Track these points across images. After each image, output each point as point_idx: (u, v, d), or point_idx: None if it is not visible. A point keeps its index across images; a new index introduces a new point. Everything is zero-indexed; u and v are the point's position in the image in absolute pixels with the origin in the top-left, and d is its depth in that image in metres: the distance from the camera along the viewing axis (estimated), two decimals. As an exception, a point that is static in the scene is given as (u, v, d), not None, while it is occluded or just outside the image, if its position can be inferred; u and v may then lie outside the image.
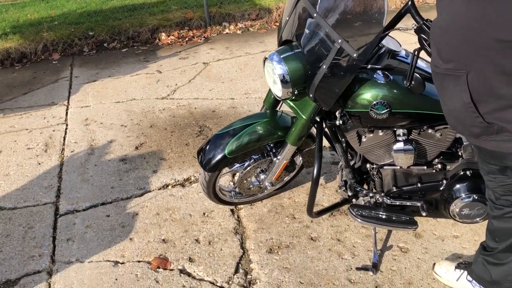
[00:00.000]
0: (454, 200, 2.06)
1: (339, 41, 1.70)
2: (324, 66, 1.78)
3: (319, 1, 1.85)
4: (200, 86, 4.21)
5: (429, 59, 1.67)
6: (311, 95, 1.88)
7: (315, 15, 1.81)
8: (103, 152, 3.23)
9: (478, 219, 2.10)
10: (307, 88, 1.90)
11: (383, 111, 1.86)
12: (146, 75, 4.55)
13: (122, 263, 2.27)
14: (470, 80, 1.35)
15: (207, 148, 2.23)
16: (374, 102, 1.85)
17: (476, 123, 1.39)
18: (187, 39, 5.56)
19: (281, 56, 1.91)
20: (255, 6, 6.15)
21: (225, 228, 2.46)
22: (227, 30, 5.83)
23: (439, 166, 2.13)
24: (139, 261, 2.27)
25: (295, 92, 1.94)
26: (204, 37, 5.65)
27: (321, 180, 2.79)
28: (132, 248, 2.36)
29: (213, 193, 2.39)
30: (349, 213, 2.16)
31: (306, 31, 1.89)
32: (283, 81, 1.90)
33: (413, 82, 1.77)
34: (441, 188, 2.10)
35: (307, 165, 2.49)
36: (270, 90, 2.25)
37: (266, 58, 1.98)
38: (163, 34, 5.57)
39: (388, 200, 2.16)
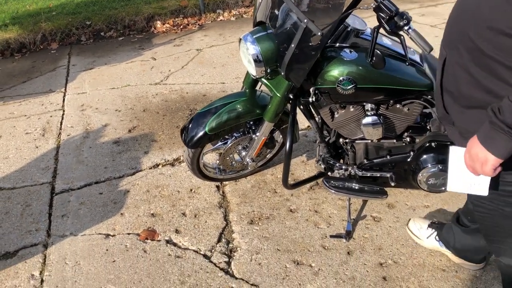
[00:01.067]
0: (421, 170, 2.19)
1: (305, 21, 1.82)
2: (293, 45, 1.90)
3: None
4: (193, 71, 4.34)
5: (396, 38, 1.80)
6: (282, 73, 2.01)
7: (283, -3, 1.93)
8: (98, 135, 3.38)
9: (443, 188, 2.23)
10: (279, 66, 2.02)
11: (349, 87, 1.98)
12: (141, 62, 4.68)
13: (113, 235, 2.43)
14: (446, 64, 1.38)
15: (190, 126, 2.36)
16: (340, 78, 1.97)
17: (440, 106, 1.45)
18: (181, 26, 5.67)
19: (254, 37, 2.03)
20: (249, -7, 6.24)
21: (210, 202, 2.60)
22: (221, 17, 5.93)
23: (408, 139, 2.26)
24: (128, 234, 2.43)
25: (268, 71, 2.07)
26: (198, 24, 5.76)
27: (303, 157, 2.93)
28: (122, 222, 2.51)
29: (198, 169, 2.54)
30: (323, 185, 2.29)
31: (277, 12, 2.01)
32: (257, 61, 2.03)
33: (374, 58, 1.90)
34: (408, 160, 2.22)
35: (286, 140, 2.62)
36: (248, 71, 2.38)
37: (240, 39, 2.11)
38: (158, 22, 5.68)
39: (360, 172, 2.29)
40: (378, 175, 2.28)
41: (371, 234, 2.30)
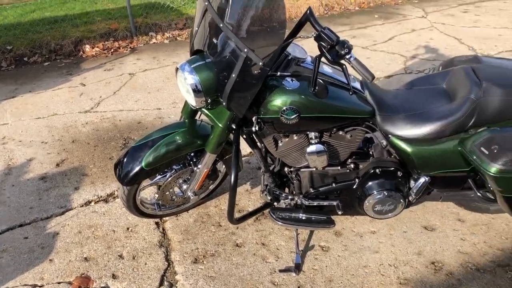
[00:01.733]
0: (367, 197, 2.16)
1: (245, 50, 1.75)
2: (234, 75, 1.81)
3: (226, 12, 1.89)
4: (126, 97, 4.14)
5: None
6: (224, 103, 1.91)
7: (221, 25, 1.85)
8: (22, 171, 3.08)
9: (389, 214, 2.22)
10: (220, 96, 1.93)
11: (293, 116, 1.92)
12: (69, 88, 4.40)
13: (41, 286, 2.18)
14: None
15: (124, 161, 2.19)
16: (284, 108, 1.90)
17: None
18: (112, 50, 5.44)
19: (192, 66, 1.93)
20: (182, 16, 6.14)
21: (149, 242, 2.42)
22: (154, 40, 5.77)
23: (352, 165, 2.23)
24: (59, 283, 2.19)
25: (208, 101, 1.97)
26: (130, 47, 5.55)
27: (247, 186, 2.83)
28: (52, 270, 2.27)
29: (134, 207, 2.36)
30: (270, 216, 2.20)
31: (215, 41, 1.92)
32: (196, 91, 1.92)
33: (316, 88, 1.85)
34: (354, 187, 2.19)
35: (230, 172, 2.52)
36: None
37: (177, 68, 1.99)
38: (87, 46, 5.41)
39: (306, 201, 2.22)
40: (325, 204, 2.23)
41: (321, 265, 2.23)
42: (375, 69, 4.53)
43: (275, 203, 2.32)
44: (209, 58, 1.96)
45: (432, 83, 2.19)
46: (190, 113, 2.26)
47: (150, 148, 2.16)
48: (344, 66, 1.79)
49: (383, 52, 4.99)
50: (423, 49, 5.01)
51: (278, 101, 1.91)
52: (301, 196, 2.24)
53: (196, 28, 2.03)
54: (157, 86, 4.35)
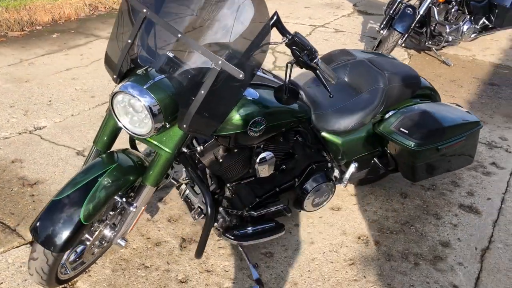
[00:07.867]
0: (308, 193, 2.23)
1: (219, 62, 1.54)
2: (203, 92, 1.57)
3: (176, 19, 1.63)
4: None
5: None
6: (184, 126, 1.64)
7: (179, 35, 1.57)
8: None
9: (324, 203, 2.37)
10: (178, 118, 1.65)
11: (261, 128, 1.82)
12: None
13: None
14: None
15: (49, 221, 1.64)
16: (253, 120, 1.78)
17: None
18: None
19: (145, 87, 1.59)
20: None
21: (74, 314, 1.89)
22: None
23: (284, 166, 2.25)
24: None
25: (167, 126, 1.67)
26: None
27: (146, 215, 2.48)
28: None
29: (55, 277, 1.80)
30: (227, 239, 2.03)
31: (170, 54, 1.63)
32: (152, 114, 1.60)
33: (288, 94, 1.80)
34: (296, 186, 2.23)
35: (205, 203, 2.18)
36: (100, 129, 1.85)
37: (117, 92, 1.61)
38: None
39: (255, 213, 2.14)
40: (273, 210, 2.19)
41: (277, 272, 2.19)
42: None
43: (215, 224, 2.14)
44: (157, 75, 1.65)
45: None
46: (106, 144, 1.87)
47: (83, 198, 1.67)
48: (318, 69, 1.78)
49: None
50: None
51: (244, 113, 1.77)
52: (247, 208, 2.13)
53: (129, 41, 1.66)
54: None
